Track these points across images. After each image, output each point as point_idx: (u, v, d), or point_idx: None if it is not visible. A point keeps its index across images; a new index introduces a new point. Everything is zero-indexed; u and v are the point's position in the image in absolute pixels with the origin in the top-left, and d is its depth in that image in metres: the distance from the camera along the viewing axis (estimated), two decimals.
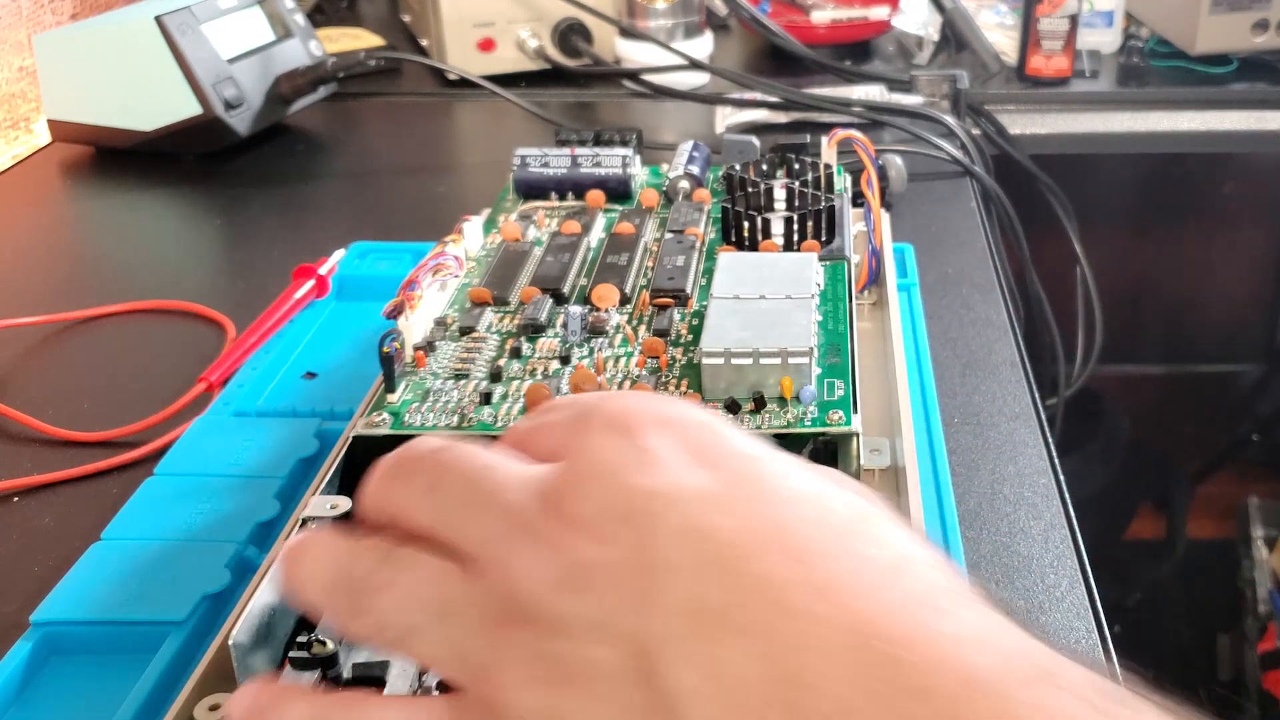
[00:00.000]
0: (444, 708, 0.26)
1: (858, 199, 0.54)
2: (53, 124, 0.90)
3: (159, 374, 0.58)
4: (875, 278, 0.54)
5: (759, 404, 0.40)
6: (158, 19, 0.84)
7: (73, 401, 0.56)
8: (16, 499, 0.49)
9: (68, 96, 0.89)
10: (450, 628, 0.25)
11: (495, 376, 0.43)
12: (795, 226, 0.51)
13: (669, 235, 0.52)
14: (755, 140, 0.63)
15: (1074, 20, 0.99)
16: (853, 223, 0.54)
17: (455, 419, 0.40)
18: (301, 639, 0.34)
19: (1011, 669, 0.22)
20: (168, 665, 0.38)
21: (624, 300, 0.48)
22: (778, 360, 0.40)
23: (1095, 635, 0.42)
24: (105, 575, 0.42)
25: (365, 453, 0.41)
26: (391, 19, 1.27)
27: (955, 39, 1.07)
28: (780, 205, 0.53)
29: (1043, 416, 0.54)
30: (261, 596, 0.33)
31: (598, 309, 0.46)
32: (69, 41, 0.89)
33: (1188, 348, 1.43)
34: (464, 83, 1.00)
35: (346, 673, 0.34)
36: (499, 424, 0.40)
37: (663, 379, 0.42)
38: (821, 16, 1.08)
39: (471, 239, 0.53)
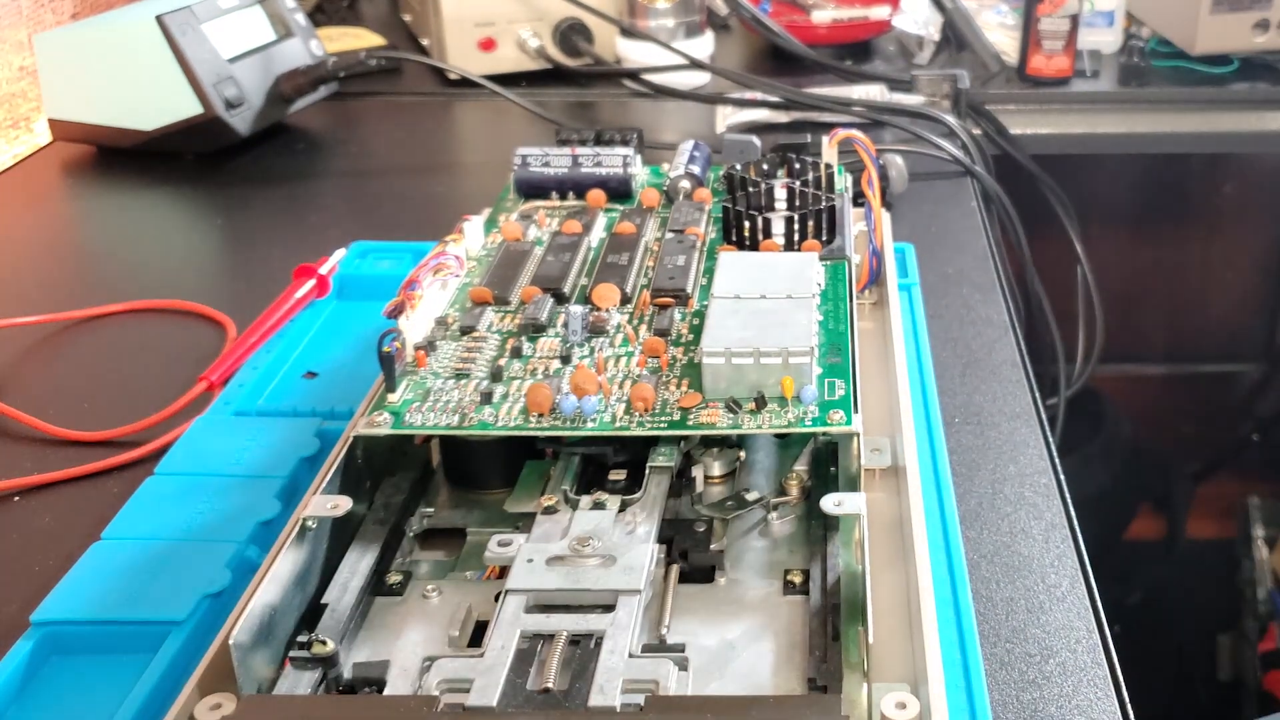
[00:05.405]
0: None
1: (858, 199, 0.54)
2: (53, 123, 0.91)
3: (159, 374, 0.58)
4: (876, 277, 0.54)
5: (760, 404, 0.40)
6: (158, 18, 0.84)
7: (73, 401, 0.56)
8: (16, 499, 0.49)
9: (68, 96, 0.89)
10: None
11: (496, 376, 0.43)
12: (796, 226, 0.51)
13: (670, 235, 0.52)
14: (756, 140, 0.63)
15: (1075, 20, 0.99)
16: (853, 222, 0.54)
17: (456, 418, 0.40)
18: (302, 639, 0.34)
19: None
20: (168, 665, 0.38)
21: (625, 300, 0.48)
22: (778, 360, 0.40)
23: (1095, 635, 0.42)
24: (105, 575, 0.42)
25: (366, 452, 0.41)
26: (392, 19, 1.27)
27: (956, 39, 1.07)
28: (781, 205, 0.53)
29: (1043, 416, 0.54)
30: (262, 596, 0.33)
31: (598, 308, 0.46)
32: (69, 41, 0.89)
33: (1188, 348, 1.43)
34: (465, 82, 1.00)
35: (347, 672, 0.34)
36: (499, 424, 0.40)
37: (663, 379, 0.42)
38: (822, 16, 1.08)
39: (472, 238, 0.53)
